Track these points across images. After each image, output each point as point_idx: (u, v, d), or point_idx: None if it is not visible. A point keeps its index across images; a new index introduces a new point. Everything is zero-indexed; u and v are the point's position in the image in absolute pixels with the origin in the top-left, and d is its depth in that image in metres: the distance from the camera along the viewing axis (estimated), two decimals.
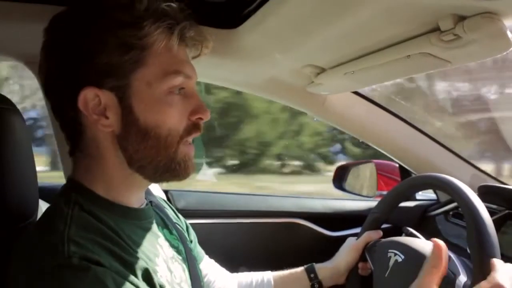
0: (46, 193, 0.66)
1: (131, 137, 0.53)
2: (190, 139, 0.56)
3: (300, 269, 0.82)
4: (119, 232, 0.51)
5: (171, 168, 0.55)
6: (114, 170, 0.55)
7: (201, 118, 0.56)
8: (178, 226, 0.71)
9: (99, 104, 0.52)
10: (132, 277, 0.47)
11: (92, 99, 0.52)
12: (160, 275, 0.53)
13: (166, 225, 0.65)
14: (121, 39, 0.51)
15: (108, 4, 0.52)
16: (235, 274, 0.83)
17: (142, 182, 0.57)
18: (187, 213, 0.92)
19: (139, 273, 0.49)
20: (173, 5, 0.54)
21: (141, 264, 0.50)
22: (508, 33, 0.52)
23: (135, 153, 0.54)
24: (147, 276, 0.50)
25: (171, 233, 0.65)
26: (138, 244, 0.53)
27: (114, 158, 0.54)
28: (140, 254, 0.51)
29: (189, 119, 0.55)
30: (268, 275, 0.82)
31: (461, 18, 0.52)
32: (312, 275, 0.80)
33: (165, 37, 0.53)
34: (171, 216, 0.71)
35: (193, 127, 0.56)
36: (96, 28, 0.51)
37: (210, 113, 0.57)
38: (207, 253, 0.81)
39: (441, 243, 0.57)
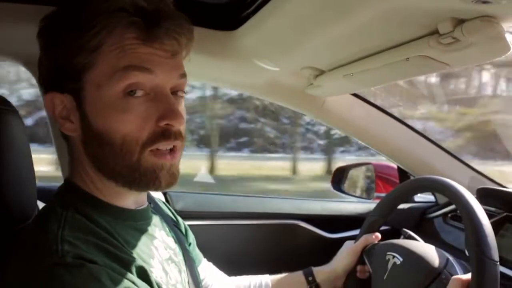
0: (45, 194, 0.66)
1: (91, 143, 0.51)
2: (159, 147, 0.51)
3: (298, 272, 0.81)
4: (114, 233, 0.51)
5: (135, 179, 0.51)
6: (94, 175, 0.54)
7: (170, 125, 0.50)
8: (176, 228, 0.71)
9: (63, 108, 0.52)
10: (127, 274, 0.47)
11: (58, 103, 0.52)
12: (156, 275, 0.53)
13: (163, 227, 0.65)
14: (74, 41, 0.49)
15: (67, 6, 0.52)
16: (233, 277, 0.83)
17: (121, 188, 0.53)
18: (186, 215, 0.92)
19: (134, 270, 0.49)
20: (142, 1, 0.49)
21: (136, 262, 0.50)
22: (506, 36, 0.52)
23: (97, 159, 0.52)
24: (143, 274, 0.50)
25: (168, 235, 0.65)
26: (133, 245, 0.53)
27: (89, 164, 0.53)
28: (134, 254, 0.51)
29: (157, 125, 0.50)
30: (266, 278, 0.82)
31: (460, 22, 0.53)
32: (310, 278, 0.79)
33: (121, 35, 0.49)
34: (169, 218, 0.71)
35: (160, 134, 0.50)
36: (56, 32, 0.51)
37: (183, 118, 0.51)
38: (205, 254, 0.81)
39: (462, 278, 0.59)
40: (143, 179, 0.51)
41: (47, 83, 0.54)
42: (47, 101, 0.52)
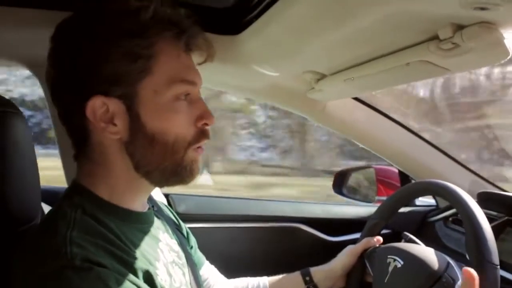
0: (49, 196, 0.67)
1: (138, 143, 0.54)
2: (201, 145, 0.57)
3: (295, 273, 0.82)
4: (121, 235, 0.52)
5: (177, 173, 0.56)
6: (120, 175, 0.55)
7: (207, 124, 0.57)
8: (179, 232, 0.72)
9: (107, 112, 0.53)
10: (134, 278, 0.48)
11: (100, 107, 0.52)
12: (161, 278, 0.53)
13: (166, 230, 0.66)
14: (128, 48, 0.51)
15: (113, 13, 0.52)
16: (232, 279, 0.83)
17: (147, 186, 0.58)
18: (188, 217, 0.92)
19: (141, 274, 0.50)
20: (179, 12, 0.55)
21: (142, 266, 0.50)
22: (505, 42, 0.53)
23: (142, 158, 0.55)
24: (149, 278, 0.51)
25: (171, 238, 0.65)
26: (139, 248, 0.53)
27: (121, 164, 0.55)
28: (141, 257, 0.52)
29: (196, 126, 0.56)
30: (264, 280, 0.82)
31: (460, 27, 0.53)
32: (307, 278, 0.80)
33: (171, 45, 0.54)
34: (171, 221, 0.72)
35: (201, 133, 0.57)
36: (103, 38, 0.51)
37: (215, 118, 0.58)
38: (206, 257, 0.81)
39: (473, 273, 0.56)
40: (183, 172, 0.56)
41: (79, 89, 0.53)
42: (89, 107, 0.52)
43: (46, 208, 0.64)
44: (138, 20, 0.52)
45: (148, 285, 0.50)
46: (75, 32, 0.53)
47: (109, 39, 0.51)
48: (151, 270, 0.52)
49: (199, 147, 0.57)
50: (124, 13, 0.52)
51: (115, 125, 0.53)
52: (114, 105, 0.52)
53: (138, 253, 0.52)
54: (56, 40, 0.54)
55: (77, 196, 0.54)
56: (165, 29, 0.53)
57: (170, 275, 0.57)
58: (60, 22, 0.55)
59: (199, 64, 0.60)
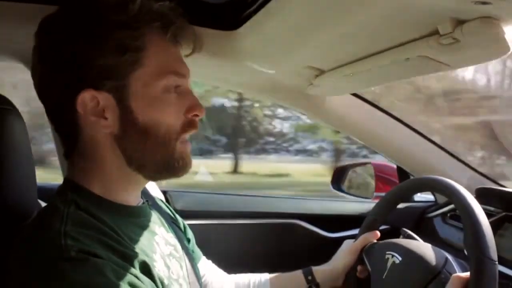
0: (45, 193, 0.66)
1: (130, 136, 0.54)
2: (186, 136, 0.58)
3: (297, 271, 0.82)
4: (116, 229, 0.52)
5: (170, 166, 0.56)
6: (113, 170, 0.55)
7: (196, 115, 0.57)
8: (175, 225, 0.72)
9: (97, 106, 0.52)
10: (131, 268, 0.48)
11: (90, 100, 0.52)
12: (158, 269, 0.54)
13: (162, 223, 0.66)
14: (117, 40, 0.51)
15: (101, 6, 0.52)
16: (232, 275, 0.83)
17: (141, 180, 0.58)
18: (186, 214, 0.92)
19: (137, 265, 0.50)
20: (166, 4, 0.54)
21: (139, 257, 0.50)
22: (506, 37, 0.52)
23: (134, 152, 0.55)
24: (146, 268, 0.51)
25: (167, 231, 0.65)
26: (135, 241, 0.54)
27: (113, 158, 0.55)
28: (137, 249, 0.52)
29: (185, 116, 0.57)
30: (266, 277, 0.82)
31: (460, 22, 0.53)
32: (309, 277, 0.80)
33: (160, 37, 0.54)
34: (167, 215, 0.72)
35: (189, 124, 0.57)
36: (91, 31, 0.51)
37: (205, 110, 0.59)
38: (205, 253, 0.81)
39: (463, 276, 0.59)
40: (176, 165, 0.57)
41: (69, 83, 0.52)
42: (79, 100, 0.52)
43: (43, 205, 0.64)
44: (126, 12, 0.52)
45: (146, 275, 0.50)
46: (63, 28, 0.53)
47: (101, 32, 0.51)
48: (148, 261, 0.52)
49: (186, 141, 0.58)
50: (113, 6, 0.52)
51: (106, 118, 0.53)
52: (104, 98, 0.52)
53: (134, 245, 0.52)
54: (43, 35, 0.54)
55: (70, 192, 0.54)
56: (153, 21, 0.53)
57: (168, 267, 0.57)
58: (44, 17, 0.54)
59: (186, 56, 0.60)
